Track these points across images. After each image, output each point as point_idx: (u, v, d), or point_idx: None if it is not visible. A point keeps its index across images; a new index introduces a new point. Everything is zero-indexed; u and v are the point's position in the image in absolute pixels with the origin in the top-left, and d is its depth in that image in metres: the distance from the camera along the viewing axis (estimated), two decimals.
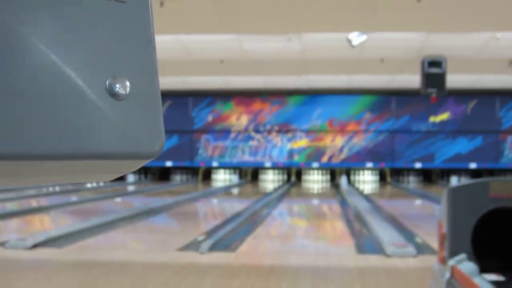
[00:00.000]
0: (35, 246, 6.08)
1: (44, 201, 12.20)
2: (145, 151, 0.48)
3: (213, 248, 6.04)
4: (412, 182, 19.41)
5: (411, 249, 5.85)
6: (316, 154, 18.86)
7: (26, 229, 7.58)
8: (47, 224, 9.05)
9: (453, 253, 2.99)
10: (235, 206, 12.14)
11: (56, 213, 10.16)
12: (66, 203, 11.40)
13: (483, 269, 2.96)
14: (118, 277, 4.89)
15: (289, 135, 18.94)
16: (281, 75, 15.44)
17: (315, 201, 14.23)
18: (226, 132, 19.10)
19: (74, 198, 13.18)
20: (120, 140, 0.46)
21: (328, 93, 18.44)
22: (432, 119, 18.42)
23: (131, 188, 17.21)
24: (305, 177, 20.03)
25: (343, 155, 18.77)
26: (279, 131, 18.99)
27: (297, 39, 10.34)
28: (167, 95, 18.70)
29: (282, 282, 4.69)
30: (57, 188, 15.96)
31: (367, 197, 13.65)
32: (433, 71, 11.04)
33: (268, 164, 19.13)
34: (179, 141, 19.06)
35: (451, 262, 2.85)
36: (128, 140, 0.46)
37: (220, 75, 15.16)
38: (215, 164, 19.23)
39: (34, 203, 11.98)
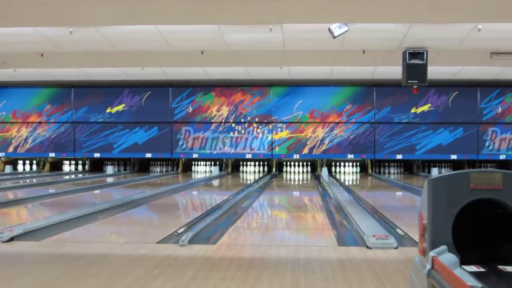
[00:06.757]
0: (11, 239, 5.99)
1: (21, 193, 12.05)
2: None
3: (193, 240, 5.99)
4: (393, 173, 19.51)
5: (392, 240, 5.84)
6: (297, 145, 18.86)
7: (3, 222, 7.46)
8: (24, 217, 8.93)
9: (433, 245, 2.97)
10: (216, 198, 12.10)
11: (33, 206, 10.04)
12: (44, 195, 11.26)
13: (464, 261, 2.94)
14: (97, 270, 4.82)
15: (270, 126, 18.91)
16: (262, 66, 15.39)
17: (296, 193, 14.22)
18: (206, 123, 19.02)
19: (51, 190, 13.03)
20: None
21: (310, 84, 18.44)
22: (413, 110, 18.50)
23: (110, 180, 17.08)
24: (286, 168, 20.06)
25: (324, 147, 18.79)
26: (260, 123, 18.94)
27: (279, 29, 10.29)
28: (147, 85, 18.57)
29: (263, 274, 4.66)
30: (34, 180, 15.79)
31: (348, 189, 13.67)
32: (415, 62, 11.05)
33: (249, 156, 19.10)
34: (159, 132, 18.94)
35: (432, 253, 2.83)
36: None
37: (200, 65, 15.06)
38: (195, 155, 19.16)
39: (10, 195, 11.82)
